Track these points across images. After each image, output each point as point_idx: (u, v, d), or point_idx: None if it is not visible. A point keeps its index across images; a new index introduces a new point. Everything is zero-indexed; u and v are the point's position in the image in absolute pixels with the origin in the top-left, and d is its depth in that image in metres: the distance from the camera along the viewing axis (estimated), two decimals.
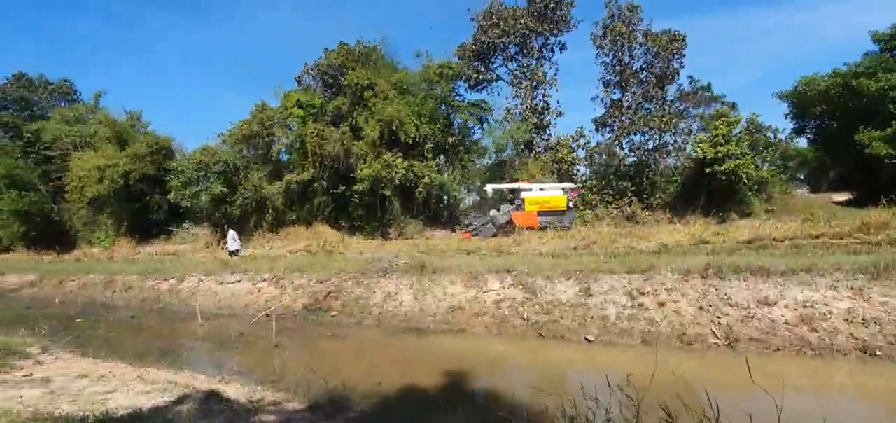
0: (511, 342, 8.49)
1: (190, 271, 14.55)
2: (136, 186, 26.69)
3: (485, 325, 9.13)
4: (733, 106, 31.55)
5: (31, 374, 5.81)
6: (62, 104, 36.64)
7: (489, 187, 20.70)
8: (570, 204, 19.36)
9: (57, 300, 15.58)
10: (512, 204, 19.77)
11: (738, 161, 20.45)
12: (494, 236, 18.53)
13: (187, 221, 27.37)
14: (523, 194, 19.32)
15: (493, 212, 19.94)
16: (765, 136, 29.19)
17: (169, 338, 10.57)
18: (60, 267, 19.68)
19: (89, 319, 12.32)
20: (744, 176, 20.52)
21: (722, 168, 20.49)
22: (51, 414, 4.11)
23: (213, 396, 4.98)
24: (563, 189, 19.69)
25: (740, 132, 22.33)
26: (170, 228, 27.38)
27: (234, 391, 5.51)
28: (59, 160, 30.38)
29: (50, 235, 29.37)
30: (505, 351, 8.24)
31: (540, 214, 18.91)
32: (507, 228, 18.96)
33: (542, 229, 17.98)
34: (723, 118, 22.23)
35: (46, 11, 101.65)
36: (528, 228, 18.26)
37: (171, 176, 25.32)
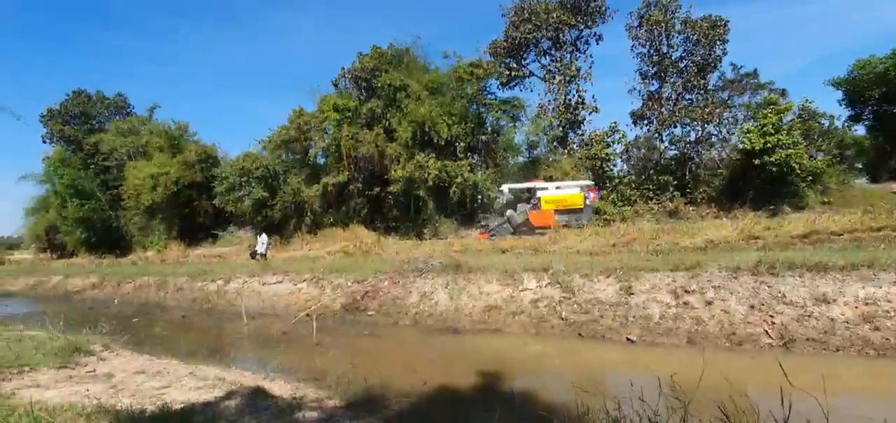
0: (549, 342, 8.35)
1: (235, 273, 15.17)
2: (184, 193, 28.16)
3: (521, 324, 9.03)
4: (783, 93, 29.82)
5: (95, 370, 6.22)
6: (117, 117, 39.09)
7: (505, 187, 20.53)
8: (587, 202, 18.95)
9: (116, 301, 16.63)
10: (528, 204, 19.50)
11: (789, 151, 19.32)
12: (512, 235, 18.31)
13: (232, 225, 28.63)
14: (539, 194, 19.08)
15: (509, 212, 19.79)
16: (819, 123, 27.39)
17: (217, 337, 11.06)
18: (118, 270, 21.01)
19: (145, 318, 13.09)
20: (797, 167, 19.36)
21: (772, 159, 19.40)
22: (113, 407, 4.38)
23: (258, 392, 5.17)
24: (579, 187, 19.31)
25: (792, 120, 21.08)
26: (216, 232, 28.72)
27: (279, 387, 5.70)
28: (116, 170, 32.48)
29: (109, 240, 31.48)
30: (542, 351, 8.11)
31: (556, 212, 18.64)
32: (524, 228, 18.74)
33: (566, 226, 17.72)
34: (772, 106, 21.04)
35: (101, 31, 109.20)
36: (544, 227, 18.07)
37: (216, 182, 26.54)
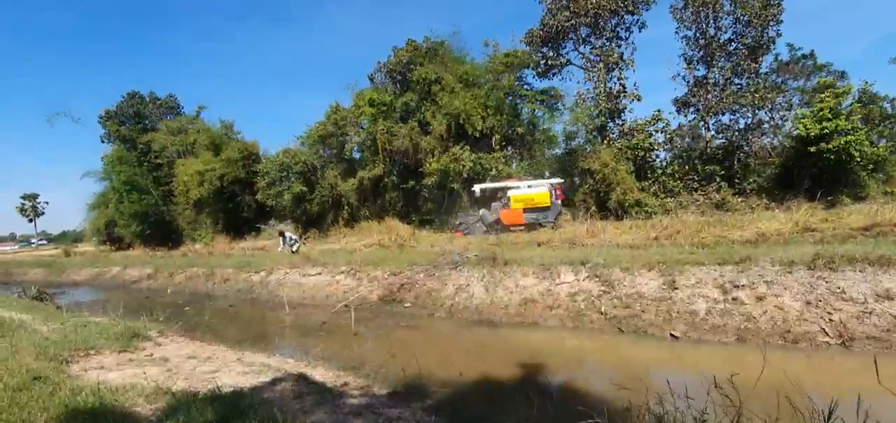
0: (587, 337, 8.19)
1: (277, 265, 15.73)
2: (229, 188, 29.40)
3: (559, 318, 8.90)
4: (842, 75, 27.83)
5: (152, 354, 6.62)
6: (168, 117, 41.18)
7: (477, 188, 20.59)
8: (555, 199, 18.90)
9: (169, 291, 17.60)
10: (500, 203, 19.65)
11: (849, 137, 17.98)
12: (484, 234, 18.62)
13: (273, 218, 29.67)
14: (510, 192, 19.22)
15: (482, 211, 20.03)
16: (881, 107, 25.34)
17: (261, 325, 11.53)
18: (170, 262, 22.20)
19: (195, 307, 13.80)
20: (857, 154, 18.02)
21: (829, 146, 18.12)
22: (169, 389, 4.65)
23: (302, 378, 5.35)
24: (548, 186, 19.26)
25: (851, 105, 19.62)
26: (258, 225, 29.86)
27: (321, 374, 5.87)
28: (167, 167, 34.30)
29: (161, 233, 33.33)
30: (581, 346, 7.97)
31: (525, 211, 18.79)
32: (496, 226, 19.05)
33: (533, 225, 18.21)
34: (829, 90, 19.63)
35: (154, 32, 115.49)
36: (513, 225, 18.39)
37: (258, 178, 27.54)
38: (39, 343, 6.49)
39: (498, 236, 17.15)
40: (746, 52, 22.06)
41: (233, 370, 5.83)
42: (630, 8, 24.12)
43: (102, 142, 41.29)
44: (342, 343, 8.95)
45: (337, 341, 9.10)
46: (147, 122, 41.15)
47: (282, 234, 20.32)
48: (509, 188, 19.53)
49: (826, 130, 18.23)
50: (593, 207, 20.71)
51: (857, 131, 18.27)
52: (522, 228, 18.28)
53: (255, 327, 11.29)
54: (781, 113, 22.27)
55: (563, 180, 21.04)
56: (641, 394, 3.80)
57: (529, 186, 19.39)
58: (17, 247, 75.24)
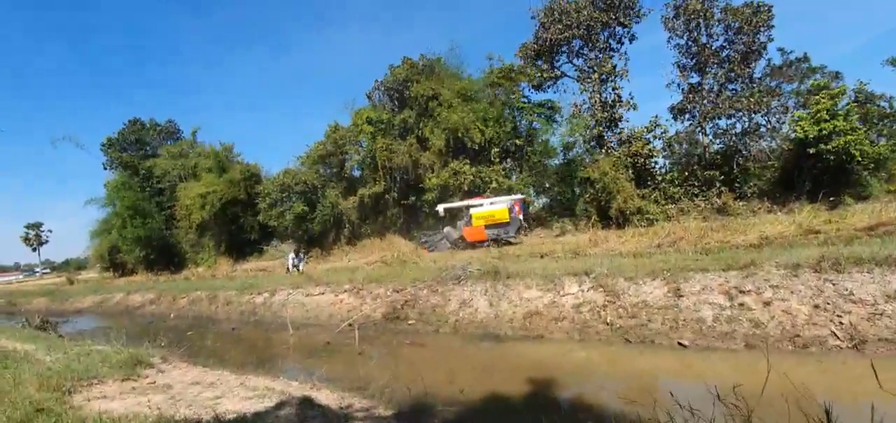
0: (594, 348, 8.10)
1: (280, 286, 15.66)
2: (231, 210, 29.48)
3: (564, 330, 8.81)
4: (837, 76, 27.97)
5: (155, 381, 6.56)
6: (169, 142, 41.51)
7: (441, 207, 21.28)
8: (513, 215, 19.55)
9: (172, 315, 17.52)
10: (463, 220, 20.43)
11: (848, 137, 17.97)
12: (449, 250, 19.36)
13: (275, 239, 29.67)
14: (472, 211, 20.01)
15: (447, 229, 20.89)
16: (878, 106, 25.42)
17: (264, 348, 11.44)
18: (173, 286, 22.14)
19: (198, 331, 13.72)
20: (857, 154, 17.98)
21: (829, 147, 18.10)
22: (172, 417, 4.59)
23: (306, 402, 5.28)
24: (507, 203, 19.94)
25: (848, 105, 19.67)
26: (261, 246, 29.84)
27: (325, 397, 5.80)
28: (169, 191, 34.44)
29: (164, 257, 33.31)
30: (587, 358, 7.88)
31: (487, 227, 19.51)
32: (460, 243, 19.85)
33: (495, 240, 19.08)
34: (824, 91, 19.70)
35: (152, 63, 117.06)
36: (477, 242, 19.22)
37: (260, 199, 27.62)
38: (42, 374, 6.43)
39: (467, 249, 17.94)
40: (739, 58, 22.21)
41: (236, 395, 5.76)
42: (621, 20, 24.39)
43: (105, 169, 41.70)
44: (346, 363, 8.86)
45: (341, 362, 9.02)
46: (148, 148, 41.51)
47: (298, 252, 20.71)
48: (472, 207, 20.19)
49: (824, 131, 18.24)
50: (595, 217, 20.69)
51: (856, 131, 18.28)
52: (485, 243, 18.94)
53: (259, 349, 11.21)
54: (778, 116, 22.36)
55: (523, 196, 21.91)
56: (650, 406, 3.74)
57: (492, 203, 20.06)
58: (21, 276, 75.23)
